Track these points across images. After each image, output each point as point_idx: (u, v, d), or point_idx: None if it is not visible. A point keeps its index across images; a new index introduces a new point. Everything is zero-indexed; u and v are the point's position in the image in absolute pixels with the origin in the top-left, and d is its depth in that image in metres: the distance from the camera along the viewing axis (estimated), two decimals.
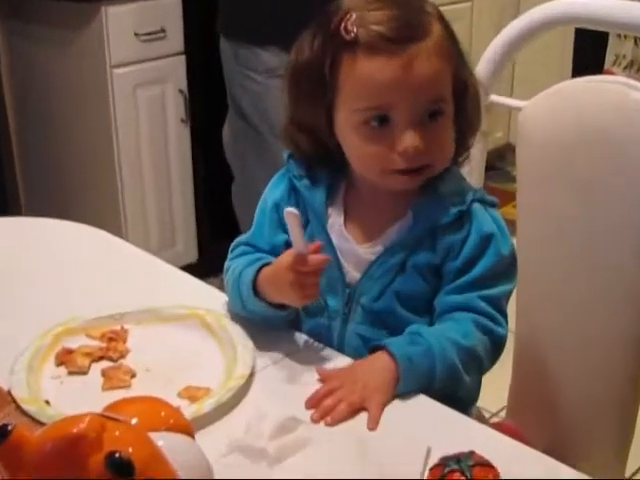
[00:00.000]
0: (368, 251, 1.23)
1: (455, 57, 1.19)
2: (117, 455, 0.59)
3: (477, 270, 1.19)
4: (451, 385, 1.14)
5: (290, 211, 1.13)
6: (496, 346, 1.18)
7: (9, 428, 0.61)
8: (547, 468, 1.00)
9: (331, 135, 1.22)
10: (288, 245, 1.22)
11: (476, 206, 1.21)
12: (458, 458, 0.92)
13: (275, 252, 1.26)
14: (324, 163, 1.26)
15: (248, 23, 2.42)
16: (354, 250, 1.24)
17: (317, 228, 1.26)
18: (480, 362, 1.17)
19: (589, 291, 1.41)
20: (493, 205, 1.24)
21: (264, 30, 2.37)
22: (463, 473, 0.90)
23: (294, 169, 1.29)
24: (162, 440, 0.65)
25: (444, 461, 0.92)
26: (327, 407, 1.07)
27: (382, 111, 1.15)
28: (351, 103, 1.17)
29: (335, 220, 1.26)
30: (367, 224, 1.25)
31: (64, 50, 2.99)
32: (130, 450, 0.60)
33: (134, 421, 0.67)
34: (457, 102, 1.20)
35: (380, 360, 1.12)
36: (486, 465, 0.91)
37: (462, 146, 1.26)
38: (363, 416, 1.08)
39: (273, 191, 1.31)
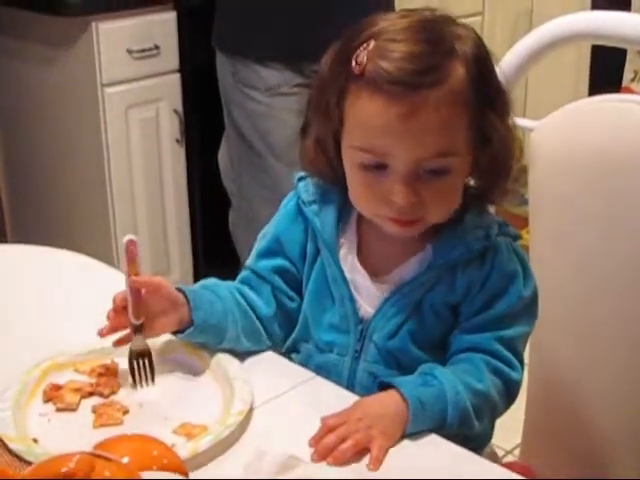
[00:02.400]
0: (382, 287, 1.22)
1: (478, 105, 1.13)
2: None
3: (496, 310, 1.17)
4: (462, 429, 1.13)
5: (128, 239, 1.19)
6: (510, 391, 1.17)
7: None
8: None
9: (339, 161, 1.20)
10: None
11: (500, 241, 1.19)
12: None
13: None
14: (334, 182, 1.24)
15: (247, 37, 2.40)
16: (367, 285, 1.24)
17: (328, 260, 1.26)
18: (494, 407, 1.17)
19: (606, 323, 1.41)
20: (516, 238, 1.22)
21: (265, 45, 2.36)
22: None
23: (303, 194, 1.28)
24: None
25: None
26: (328, 445, 1.06)
27: (377, 157, 1.12)
28: (350, 139, 1.15)
29: (348, 251, 1.25)
30: (382, 257, 1.24)
31: (53, 68, 3.00)
32: None
33: (125, 460, 0.67)
34: (479, 150, 1.16)
35: (390, 399, 1.10)
36: None
37: (494, 190, 1.22)
38: (367, 453, 1.08)
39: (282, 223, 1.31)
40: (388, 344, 1.22)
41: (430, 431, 1.10)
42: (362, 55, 1.10)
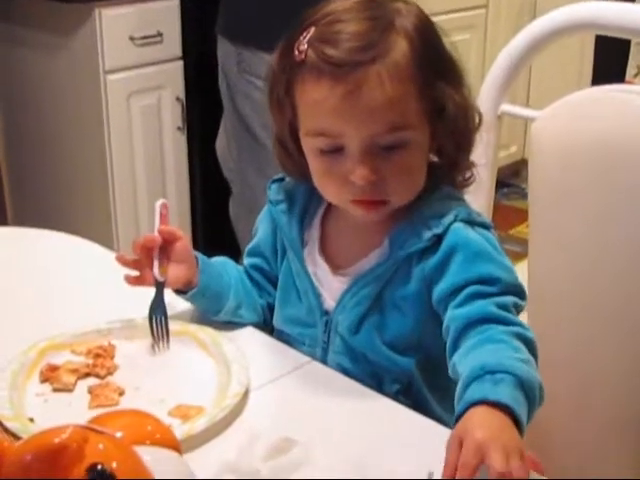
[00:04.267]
0: (342, 280, 1.23)
1: (426, 76, 1.14)
2: (99, 467, 0.60)
3: (471, 272, 1.13)
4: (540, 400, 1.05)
5: (162, 202, 1.28)
6: (534, 350, 1.09)
7: None
8: None
9: (299, 153, 1.21)
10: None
11: (457, 226, 1.16)
12: None
13: None
14: (303, 179, 1.26)
15: (254, 24, 2.38)
16: (329, 278, 1.25)
17: (292, 255, 1.28)
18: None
19: (606, 315, 1.41)
20: (485, 227, 1.19)
21: (272, 32, 2.31)
22: None
23: (272, 195, 1.31)
24: (148, 455, 0.66)
25: None
26: None
27: (332, 139, 1.13)
28: (304, 126, 1.16)
29: (311, 246, 1.27)
30: (344, 251, 1.25)
31: (55, 54, 3.01)
32: (114, 464, 0.61)
33: (119, 435, 0.68)
34: (434, 121, 1.16)
35: (485, 415, 0.95)
36: None
37: (455, 168, 1.23)
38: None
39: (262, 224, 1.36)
40: (355, 340, 1.22)
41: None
42: (303, 43, 1.12)
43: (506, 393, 0.97)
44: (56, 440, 0.61)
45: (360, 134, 1.11)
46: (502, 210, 3.85)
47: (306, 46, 1.12)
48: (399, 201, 1.17)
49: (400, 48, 1.12)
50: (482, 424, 0.93)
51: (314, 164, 1.18)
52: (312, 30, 1.13)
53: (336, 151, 1.14)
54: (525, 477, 0.89)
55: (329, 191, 1.20)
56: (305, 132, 1.17)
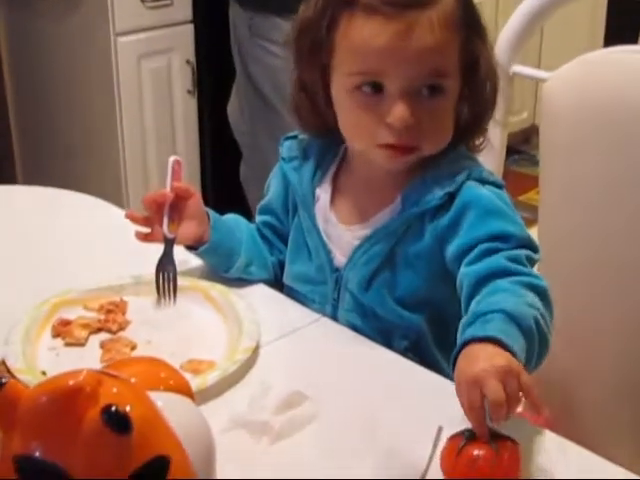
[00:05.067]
0: (353, 235, 1.24)
1: (466, 31, 1.16)
2: (113, 409, 0.60)
3: (484, 229, 1.13)
4: (546, 334, 1.04)
5: (174, 158, 1.28)
6: (547, 298, 1.08)
7: (3, 381, 0.62)
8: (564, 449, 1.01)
9: (328, 100, 1.21)
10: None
11: (470, 184, 1.17)
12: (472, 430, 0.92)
13: None
14: (323, 133, 1.27)
15: None
16: (339, 233, 1.25)
17: (303, 212, 1.29)
18: (544, 316, 1.07)
19: (615, 281, 1.40)
20: (497, 185, 1.20)
21: None
22: (487, 443, 0.90)
23: (285, 151, 1.32)
24: (161, 400, 0.67)
25: (462, 432, 0.93)
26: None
27: (375, 77, 1.13)
28: (345, 66, 1.16)
29: (322, 202, 1.27)
30: (357, 206, 1.26)
31: (66, 18, 3.00)
32: (127, 407, 0.62)
33: (133, 380, 0.68)
34: (467, 78, 1.19)
35: (479, 351, 0.95)
36: (509, 439, 0.91)
37: (475, 129, 1.24)
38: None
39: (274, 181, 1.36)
40: (365, 297, 1.23)
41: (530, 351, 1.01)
42: None
43: (494, 328, 0.97)
44: (71, 382, 0.61)
45: (404, 74, 1.12)
46: (512, 176, 3.84)
47: None
48: (429, 149, 1.18)
49: (448, 0, 1.14)
50: (471, 360, 0.94)
51: (348, 104, 1.18)
52: None
53: (374, 92, 1.14)
54: (519, 399, 0.90)
55: (360, 134, 1.19)
56: (345, 71, 1.16)
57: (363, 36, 1.13)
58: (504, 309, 0.99)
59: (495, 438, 0.90)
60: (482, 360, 0.93)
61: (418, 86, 1.13)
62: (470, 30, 1.17)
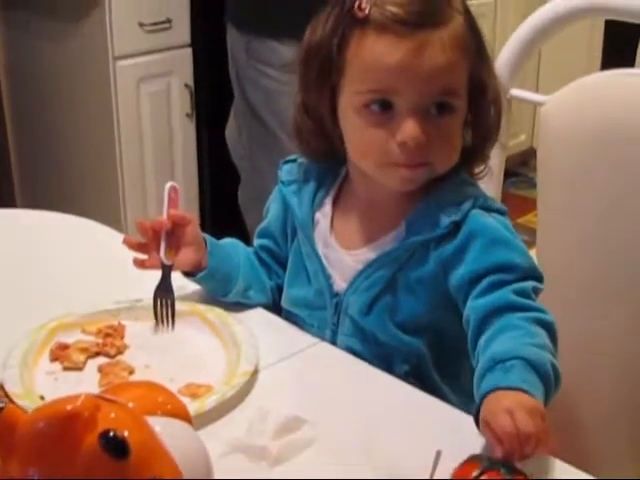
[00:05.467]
0: (355, 259, 1.24)
1: (474, 53, 1.18)
2: (111, 434, 0.60)
3: (490, 260, 1.14)
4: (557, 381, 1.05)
5: (171, 185, 1.29)
6: (553, 334, 1.09)
7: (1, 406, 0.62)
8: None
9: (334, 123, 1.22)
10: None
11: (475, 212, 1.18)
12: (491, 459, 0.92)
13: None
14: (326, 157, 1.27)
15: (263, 13, 2.37)
16: (340, 258, 1.25)
17: (302, 236, 1.29)
18: (553, 354, 1.08)
19: (614, 303, 1.41)
20: (500, 213, 1.20)
21: (281, 21, 2.30)
22: (504, 476, 0.89)
23: (284, 175, 1.32)
24: (159, 425, 0.67)
25: (476, 460, 0.92)
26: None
27: (385, 95, 1.14)
28: (355, 84, 1.16)
29: (322, 226, 1.27)
30: (358, 230, 1.25)
31: (65, 40, 3.01)
32: (125, 432, 0.62)
33: (130, 404, 0.68)
34: (473, 102, 1.19)
35: (504, 396, 0.97)
36: (521, 473, 0.91)
37: (478, 154, 1.25)
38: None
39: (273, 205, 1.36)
40: (366, 321, 1.23)
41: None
42: (365, 2, 1.13)
43: (517, 378, 0.98)
44: (69, 407, 0.61)
45: (415, 92, 1.13)
46: (510, 199, 3.84)
47: (368, 5, 1.13)
48: (440, 166, 1.18)
49: (458, 21, 1.16)
50: (499, 398, 0.95)
51: (357, 123, 1.18)
52: None
53: (383, 110, 1.15)
54: (546, 436, 0.92)
55: (370, 152, 1.18)
56: (354, 90, 1.17)
57: (375, 54, 1.13)
58: (523, 357, 1.00)
59: (511, 471, 0.90)
60: (512, 398, 0.95)
61: (427, 104, 1.14)
62: (477, 55, 1.18)
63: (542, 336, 1.06)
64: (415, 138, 1.13)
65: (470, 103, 1.19)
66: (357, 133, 1.19)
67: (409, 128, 1.13)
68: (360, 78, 1.16)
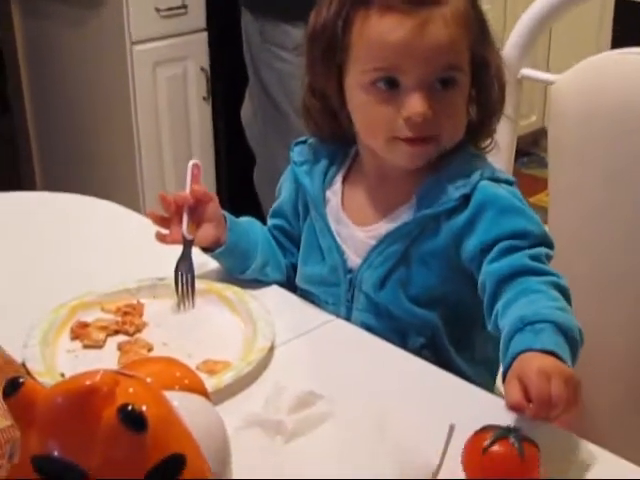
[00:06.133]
0: (368, 235, 1.24)
1: (476, 30, 1.18)
2: (130, 408, 0.60)
3: (503, 227, 1.14)
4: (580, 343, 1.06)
5: (194, 162, 1.29)
6: (568, 297, 1.09)
7: (20, 381, 0.62)
8: (580, 449, 1.00)
9: (341, 103, 1.22)
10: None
11: (484, 184, 1.18)
12: (508, 427, 0.92)
13: None
14: (334, 136, 1.27)
15: None
16: (353, 234, 1.25)
17: (315, 214, 1.29)
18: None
19: (624, 273, 1.40)
20: (509, 183, 1.20)
21: (294, 4, 2.28)
22: (513, 444, 0.90)
23: (295, 156, 1.32)
24: (176, 400, 0.67)
25: (488, 429, 0.92)
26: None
27: (391, 72, 1.14)
28: (361, 63, 1.17)
29: (334, 204, 1.28)
30: (370, 206, 1.26)
31: (83, 26, 3.02)
32: (144, 406, 0.61)
33: (149, 380, 0.68)
34: (476, 78, 1.20)
35: (539, 358, 0.97)
36: (532, 442, 0.91)
37: (484, 129, 1.25)
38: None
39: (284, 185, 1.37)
40: (379, 295, 1.23)
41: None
42: None
43: (548, 340, 0.99)
44: (88, 382, 0.61)
45: (420, 68, 1.13)
46: (522, 178, 3.81)
47: None
48: (447, 139, 1.18)
49: (460, 0, 1.16)
50: (535, 360, 0.96)
51: (365, 101, 1.18)
52: None
53: (389, 87, 1.15)
54: (572, 406, 0.92)
55: (378, 129, 1.18)
56: (360, 69, 1.17)
57: (379, 32, 1.14)
58: (553, 320, 1.01)
59: (520, 440, 0.90)
60: (548, 361, 0.95)
61: (432, 80, 1.14)
62: (480, 32, 1.19)
63: (562, 300, 1.07)
64: (421, 113, 1.14)
65: (473, 79, 1.19)
66: (364, 111, 1.19)
67: (415, 103, 1.13)
68: (365, 57, 1.16)
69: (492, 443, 0.90)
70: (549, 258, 1.14)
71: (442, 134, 1.17)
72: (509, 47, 1.51)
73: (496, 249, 1.13)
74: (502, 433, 0.91)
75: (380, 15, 1.13)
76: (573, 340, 1.01)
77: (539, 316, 1.01)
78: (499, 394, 1.24)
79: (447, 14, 1.13)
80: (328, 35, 1.18)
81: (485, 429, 0.92)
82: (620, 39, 3.62)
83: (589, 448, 1.00)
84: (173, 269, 1.28)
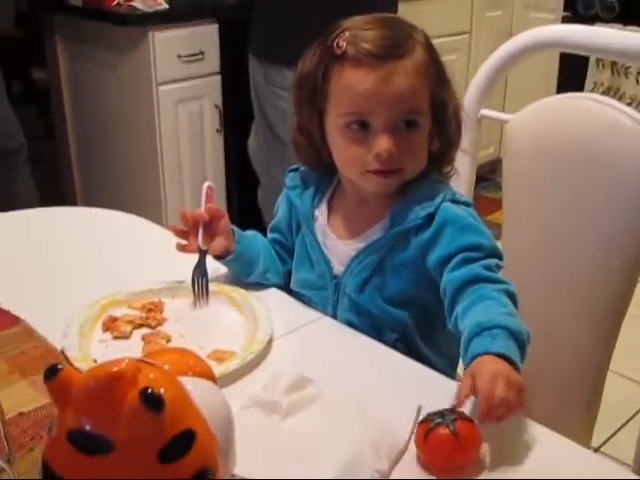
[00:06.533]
0: (349, 247, 1.23)
1: (435, 77, 1.17)
2: (150, 391, 0.60)
3: (461, 241, 1.14)
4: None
5: (208, 184, 1.28)
6: (516, 302, 1.09)
7: (59, 367, 0.62)
8: (526, 430, 1.00)
9: (323, 140, 1.22)
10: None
11: (446, 205, 1.18)
12: (442, 413, 0.93)
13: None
14: (319, 166, 1.27)
15: (278, 46, 2.38)
16: (337, 246, 1.25)
17: (305, 229, 1.29)
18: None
19: (565, 280, 1.40)
20: (467, 204, 1.20)
21: (293, 52, 2.31)
22: (447, 426, 0.91)
23: (290, 180, 1.32)
24: (189, 384, 0.66)
25: (430, 416, 0.94)
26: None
27: (362, 116, 1.14)
28: (337, 108, 1.17)
29: (321, 221, 1.27)
30: (350, 224, 1.25)
31: (117, 69, 3.01)
32: (162, 389, 0.61)
33: (166, 367, 0.68)
34: (436, 117, 1.19)
35: (493, 362, 0.96)
36: (467, 420, 0.92)
37: (444, 158, 1.24)
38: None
39: (280, 206, 1.37)
40: (360, 298, 1.22)
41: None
42: (341, 41, 1.14)
43: (502, 345, 0.98)
44: (115, 369, 0.61)
45: (387, 112, 1.13)
46: (481, 200, 3.83)
47: (345, 43, 1.14)
48: (410, 172, 1.18)
49: (419, 52, 1.15)
50: (490, 363, 0.96)
51: (341, 139, 1.18)
52: (347, 33, 1.15)
53: (361, 129, 1.15)
54: (517, 408, 0.92)
55: (352, 163, 1.19)
56: (337, 113, 1.17)
57: (352, 83, 1.14)
58: (505, 326, 1.00)
59: (454, 422, 0.91)
60: (500, 365, 0.95)
61: (397, 122, 1.14)
62: (438, 80, 1.18)
63: (511, 305, 1.07)
64: (387, 149, 1.14)
65: (434, 118, 1.18)
66: (341, 149, 1.19)
67: (382, 142, 1.14)
68: (341, 103, 1.16)
69: (430, 430, 0.91)
70: (499, 268, 1.14)
71: (405, 167, 1.17)
72: (471, 90, 1.51)
73: (455, 260, 1.13)
74: (438, 418, 0.92)
75: (353, 68, 1.13)
76: (522, 342, 1.01)
77: (494, 322, 1.01)
78: (460, 381, 1.25)
79: (408, 66, 1.13)
80: (311, 82, 1.19)
81: (427, 417, 0.93)
82: (564, 86, 3.64)
83: (533, 427, 1.00)
84: (190, 274, 1.28)
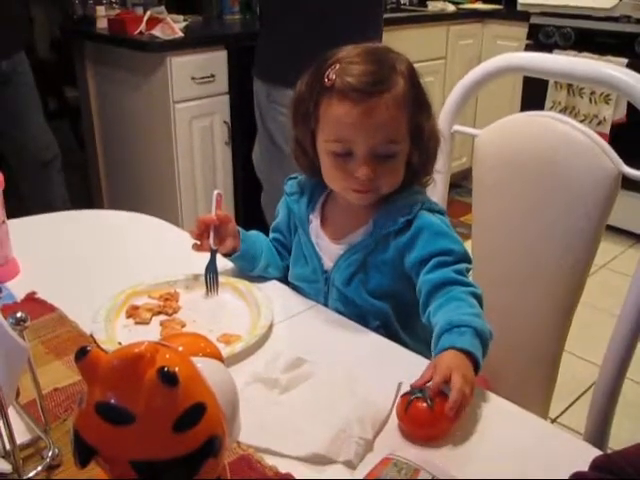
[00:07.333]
0: (338, 247, 1.23)
1: (414, 106, 1.14)
2: (166, 369, 0.60)
3: (435, 246, 1.14)
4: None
5: (217, 192, 1.29)
6: (481, 303, 1.10)
7: (88, 349, 0.62)
8: (490, 401, 1.01)
9: (315, 154, 1.21)
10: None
11: (423, 213, 1.17)
12: (421, 389, 0.93)
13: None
14: (314, 174, 1.26)
15: (278, 68, 2.39)
16: (327, 245, 1.25)
17: (301, 231, 1.29)
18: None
19: (527, 274, 1.41)
20: (441, 213, 1.20)
21: (291, 74, 2.31)
22: (425, 400, 0.92)
23: (288, 188, 1.32)
24: (200, 363, 0.66)
25: (410, 390, 0.94)
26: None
27: (345, 145, 1.13)
28: (324, 135, 1.16)
29: (315, 223, 1.27)
30: (339, 227, 1.25)
31: (138, 89, 3.01)
32: (176, 368, 0.62)
33: (180, 348, 0.68)
34: (415, 139, 1.17)
35: (458, 357, 0.98)
36: (444, 395, 0.92)
37: (423, 172, 1.23)
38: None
39: (281, 209, 1.37)
40: (347, 290, 1.23)
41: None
42: (331, 73, 1.13)
43: (468, 342, 0.99)
44: (136, 350, 0.61)
45: (367, 143, 1.12)
46: (455, 203, 3.85)
47: (334, 76, 1.12)
48: (385, 190, 1.18)
49: (400, 85, 1.13)
50: (450, 358, 0.97)
51: (327, 163, 1.18)
52: (337, 66, 1.13)
53: (345, 155, 1.14)
54: (468, 400, 0.93)
55: (336, 182, 1.19)
56: (324, 139, 1.16)
57: (338, 115, 1.12)
58: (472, 326, 1.02)
59: (430, 397, 0.92)
60: (461, 361, 0.97)
61: (377, 151, 1.13)
62: (416, 107, 1.16)
63: (477, 306, 1.07)
64: (367, 176, 1.13)
65: (412, 139, 1.17)
66: (327, 167, 1.19)
67: (362, 170, 1.13)
68: (328, 131, 1.15)
69: (410, 402, 0.92)
70: (468, 271, 1.14)
71: (381, 188, 1.17)
72: (446, 108, 1.51)
73: (430, 263, 1.13)
74: (417, 393, 0.93)
75: (338, 101, 1.11)
76: (485, 340, 1.02)
77: (462, 322, 1.02)
78: None
79: (389, 100, 1.11)
80: (305, 106, 1.18)
81: (408, 391, 0.94)
82: (526, 104, 3.65)
83: (499, 401, 1.01)
84: (203, 269, 1.29)
